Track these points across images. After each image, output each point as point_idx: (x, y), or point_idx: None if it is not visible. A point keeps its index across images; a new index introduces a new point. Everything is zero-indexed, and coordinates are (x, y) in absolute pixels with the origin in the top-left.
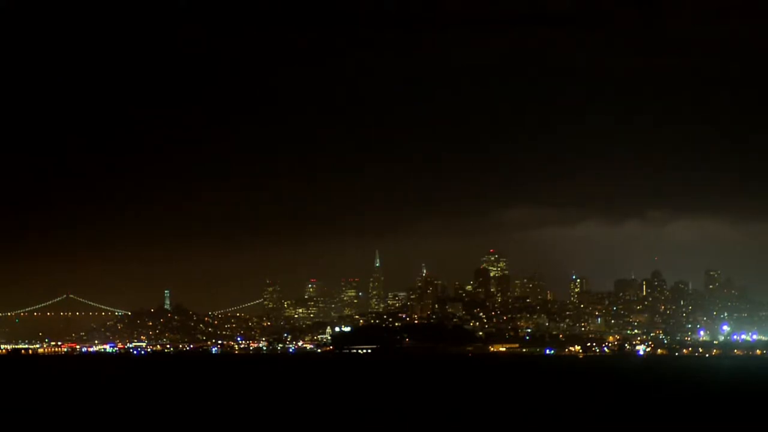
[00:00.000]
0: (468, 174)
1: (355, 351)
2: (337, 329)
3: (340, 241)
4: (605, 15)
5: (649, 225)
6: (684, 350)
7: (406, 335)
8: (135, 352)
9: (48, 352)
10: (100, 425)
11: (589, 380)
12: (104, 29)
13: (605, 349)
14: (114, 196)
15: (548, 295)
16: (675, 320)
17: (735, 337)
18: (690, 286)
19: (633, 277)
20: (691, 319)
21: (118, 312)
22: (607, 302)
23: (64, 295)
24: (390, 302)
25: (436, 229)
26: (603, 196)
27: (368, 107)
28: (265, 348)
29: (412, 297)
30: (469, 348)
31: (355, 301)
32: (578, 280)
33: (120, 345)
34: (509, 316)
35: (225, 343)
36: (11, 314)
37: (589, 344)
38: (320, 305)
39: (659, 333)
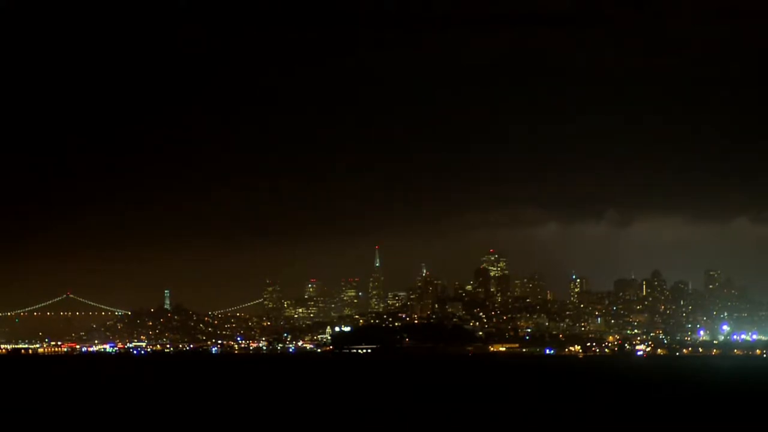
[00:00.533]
0: (468, 174)
1: (355, 351)
2: (337, 329)
3: (340, 241)
4: (605, 15)
5: (649, 225)
6: (684, 350)
7: (406, 335)
8: (135, 352)
9: (48, 352)
10: (100, 425)
11: (589, 380)
12: (104, 29)
13: (605, 349)
14: (114, 196)
15: (548, 295)
16: (675, 320)
17: (735, 337)
18: (690, 286)
19: (633, 277)
20: (691, 319)
21: (118, 312)
22: (607, 302)
23: (64, 295)
24: (390, 302)
25: (436, 229)
26: (603, 195)
27: (368, 107)
28: (265, 348)
29: (412, 297)
30: (469, 348)
31: (355, 301)
32: (578, 280)
33: (120, 345)
34: (509, 316)
35: (225, 342)
36: (11, 314)
37: (589, 344)
38: (320, 305)
39: (659, 333)
